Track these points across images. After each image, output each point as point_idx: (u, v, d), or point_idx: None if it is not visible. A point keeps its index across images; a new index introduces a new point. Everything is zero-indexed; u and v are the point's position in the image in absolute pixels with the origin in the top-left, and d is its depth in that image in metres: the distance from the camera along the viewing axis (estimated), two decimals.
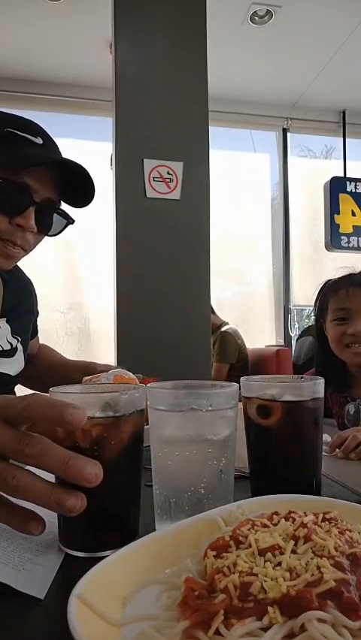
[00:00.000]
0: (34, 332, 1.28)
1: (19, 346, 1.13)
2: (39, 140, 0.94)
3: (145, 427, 0.52)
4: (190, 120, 2.48)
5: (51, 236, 1.03)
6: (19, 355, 1.13)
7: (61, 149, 1.03)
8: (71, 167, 0.95)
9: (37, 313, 1.30)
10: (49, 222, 0.99)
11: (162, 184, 2.42)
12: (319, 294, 1.40)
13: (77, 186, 0.99)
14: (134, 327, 2.37)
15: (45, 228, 0.99)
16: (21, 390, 1.24)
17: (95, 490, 0.44)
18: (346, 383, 1.35)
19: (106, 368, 1.14)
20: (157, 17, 2.47)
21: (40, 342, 1.40)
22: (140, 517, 0.52)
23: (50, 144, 0.97)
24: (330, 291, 1.33)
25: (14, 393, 1.20)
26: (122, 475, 0.50)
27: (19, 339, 1.14)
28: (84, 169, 0.97)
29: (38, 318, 1.31)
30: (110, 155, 2.49)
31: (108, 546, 0.47)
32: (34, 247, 1.03)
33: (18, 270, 1.22)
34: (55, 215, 0.99)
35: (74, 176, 0.97)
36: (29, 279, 1.27)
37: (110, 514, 0.49)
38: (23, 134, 0.92)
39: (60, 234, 1.04)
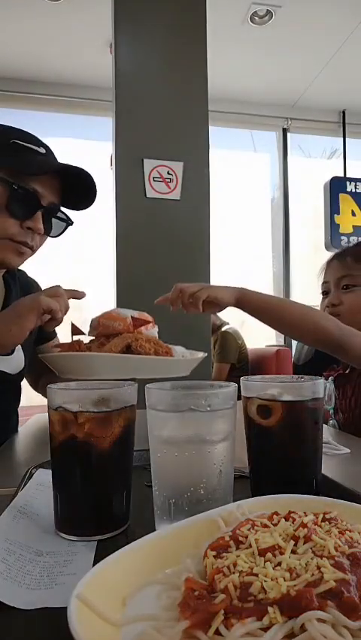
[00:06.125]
0: (52, 333, 1.28)
1: (17, 346, 1.13)
2: (42, 150, 1.04)
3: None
4: (190, 120, 2.48)
5: (53, 237, 1.11)
6: (18, 355, 1.13)
7: (61, 149, 1.12)
8: (74, 173, 1.05)
9: None
10: (51, 225, 1.08)
11: (162, 184, 2.42)
12: None
13: (78, 190, 1.08)
14: None
15: (49, 230, 1.08)
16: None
17: (89, 479, 0.51)
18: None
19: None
20: (157, 17, 2.47)
21: None
22: (144, 518, 0.53)
23: (51, 153, 1.07)
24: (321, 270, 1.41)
25: (18, 392, 1.22)
26: (114, 466, 0.53)
27: None
28: (87, 173, 1.06)
29: None
30: (110, 155, 2.49)
31: (101, 532, 0.51)
32: (39, 248, 1.11)
33: (21, 273, 1.24)
34: (56, 217, 1.08)
35: (75, 181, 1.06)
36: (35, 281, 1.29)
37: (102, 503, 0.53)
38: (28, 145, 1.01)
39: (61, 235, 1.12)
